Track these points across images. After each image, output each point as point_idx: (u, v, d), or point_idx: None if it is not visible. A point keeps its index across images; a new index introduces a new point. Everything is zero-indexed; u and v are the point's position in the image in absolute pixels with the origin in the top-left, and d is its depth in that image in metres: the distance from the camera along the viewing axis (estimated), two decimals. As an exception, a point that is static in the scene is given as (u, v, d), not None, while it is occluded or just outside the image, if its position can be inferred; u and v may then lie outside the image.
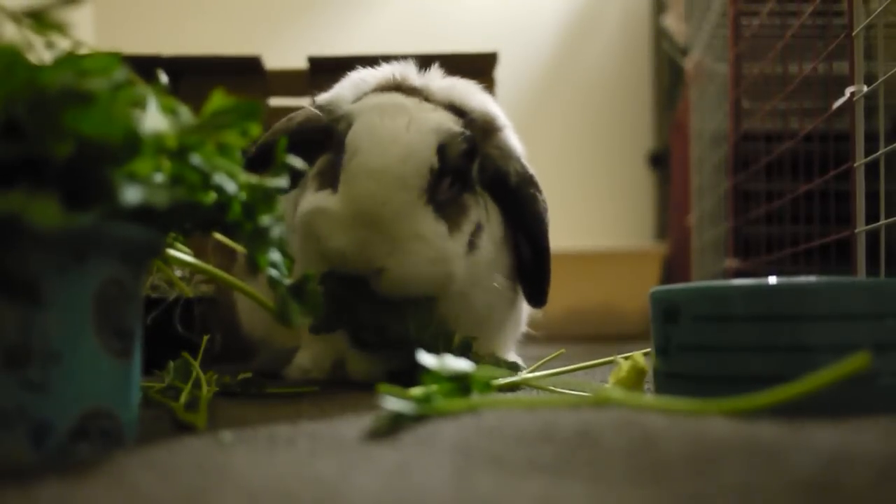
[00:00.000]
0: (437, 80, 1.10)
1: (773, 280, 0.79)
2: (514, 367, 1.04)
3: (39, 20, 0.56)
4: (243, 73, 1.68)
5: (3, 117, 0.50)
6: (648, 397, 0.61)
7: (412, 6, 4.01)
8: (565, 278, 2.36)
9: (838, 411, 0.67)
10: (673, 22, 2.68)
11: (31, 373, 0.55)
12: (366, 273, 0.94)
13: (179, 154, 0.64)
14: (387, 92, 1.05)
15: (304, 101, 1.70)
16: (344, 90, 1.11)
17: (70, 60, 0.59)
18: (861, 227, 1.09)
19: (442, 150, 0.98)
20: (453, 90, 1.07)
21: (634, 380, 0.84)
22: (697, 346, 0.75)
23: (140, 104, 0.65)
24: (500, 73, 1.72)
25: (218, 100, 0.64)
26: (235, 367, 1.44)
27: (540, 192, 1.08)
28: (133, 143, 0.57)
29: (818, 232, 1.63)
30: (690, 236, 2.39)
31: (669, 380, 0.79)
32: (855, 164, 1.10)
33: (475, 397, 0.71)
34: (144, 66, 1.73)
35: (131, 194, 0.55)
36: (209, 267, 0.81)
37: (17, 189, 0.51)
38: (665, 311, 0.79)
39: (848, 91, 1.11)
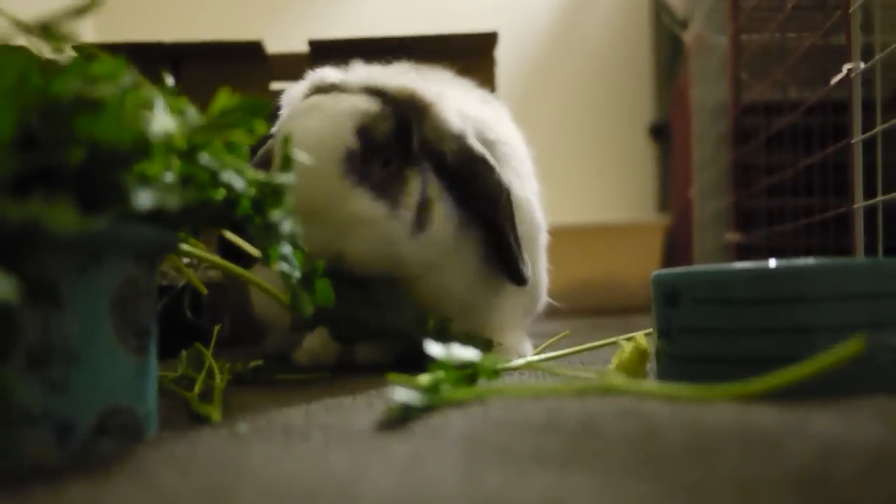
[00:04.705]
0: (354, 72, 1.10)
1: (771, 263, 0.80)
2: (488, 345, 1.05)
3: (49, 32, 0.57)
4: (244, 58, 1.69)
5: (19, 129, 0.52)
6: (651, 384, 0.63)
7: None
8: (568, 252, 2.38)
9: (838, 388, 0.68)
10: (672, -6, 2.67)
11: (52, 373, 0.57)
12: (329, 261, 0.95)
13: (188, 153, 0.66)
14: (308, 98, 1.07)
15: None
16: (285, 109, 1.12)
17: (78, 66, 0.60)
18: (859, 203, 1.10)
19: (364, 131, 0.98)
20: (369, 77, 1.07)
21: (637, 361, 0.86)
22: (698, 329, 0.77)
23: (147, 105, 0.66)
24: (500, 47, 1.72)
25: (224, 98, 0.66)
26: (245, 350, 1.47)
27: (490, 168, 1.05)
28: (143, 146, 0.59)
29: (818, 203, 1.65)
30: (692, 208, 2.40)
31: (671, 361, 0.80)
32: (853, 141, 1.11)
33: (482, 384, 0.73)
34: (147, 53, 1.75)
35: (144, 198, 0.57)
36: (220, 260, 0.83)
37: (34, 196, 0.52)
38: (666, 295, 0.81)
39: (845, 68, 1.12)
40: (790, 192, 1.73)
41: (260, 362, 1.02)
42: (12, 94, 0.50)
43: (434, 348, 0.71)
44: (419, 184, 1.01)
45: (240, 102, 0.65)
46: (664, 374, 0.82)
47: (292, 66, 1.73)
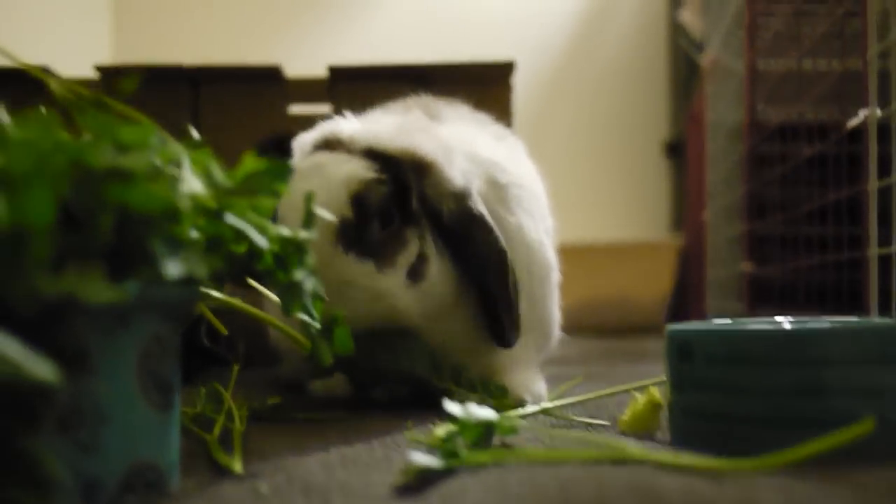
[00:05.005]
0: (366, 124, 1.13)
1: (784, 324, 0.82)
2: (502, 392, 1.06)
3: (101, 108, 0.58)
4: (263, 82, 1.71)
5: (60, 204, 0.53)
6: (664, 454, 0.64)
7: (431, 8, 4.02)
8: (581, 271, 2.39)
9: (849, 450, 0.69)
10: (689, 16, 2.67)
11: (82, 435, 0.59)
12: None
13: (214, 212, 0.67)
14: (317, 151, 1.10)
15: (323, 108, 1.73)
16: (296, 158, 1.16)
17: (107, 131, 0.62)
18: (874, 250, 1.11)
19: (359, 198, 1.02)
20: (376, 135, 1.09)
21: (650, 413, 0.87)
22: (710, 386, 0.78)
23: (175, 161, 0.68)
24: (516, 61, 1.72)
25: (249, 163, 0.67)
26: (260, 375, 1.49)
27: (487, 230, 1.07)
28: (173, 214, 0.61)
29: (833, 232, 1.65)
30: (706, 230, 2.41)
31: (683, 416, 0.82)
32: (868, 188, 1.11)
33: (498, 441, 0.75)
34: (167, 76, 1.77)
35: (173, 268, 0.58)
36: (242, 304, 0.84)
37: (68, 268, 0.54)
38: (679, 350, 0.82)
39: (862, 114, 1.13)
40: (804, 219, 1.74)
41: (278, 399, 1.04)
42: (50, 179, 0.51)
43: (451, 406, 0.72)
44: (416, 243, 1.05)
45: (265, 167, 0.67)
46: (676, 428, 0.83)
47: (311, 90, 1.75)
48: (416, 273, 1.04)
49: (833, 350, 0.74)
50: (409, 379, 1.04)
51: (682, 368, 0.81)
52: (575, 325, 1.50)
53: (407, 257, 1.03)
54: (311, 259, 0.73)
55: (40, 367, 0.46)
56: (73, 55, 3.11)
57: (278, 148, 1.70)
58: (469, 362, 1.10)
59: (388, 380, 1.05)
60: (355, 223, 1.02)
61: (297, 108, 1.77)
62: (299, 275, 0.71)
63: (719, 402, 0.77)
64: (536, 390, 1.14)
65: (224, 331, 0.93)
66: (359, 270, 1.00)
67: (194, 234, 0.66)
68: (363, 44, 3.98)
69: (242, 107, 1.71)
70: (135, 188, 0.58)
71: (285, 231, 0.72)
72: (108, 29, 3.84)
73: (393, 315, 1.03)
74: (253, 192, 0.66)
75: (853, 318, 0.90)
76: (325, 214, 0.81)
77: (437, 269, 1.06)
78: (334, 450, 0.80)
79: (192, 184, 0.64)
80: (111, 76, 1.68)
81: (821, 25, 1.66)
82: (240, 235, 0.69)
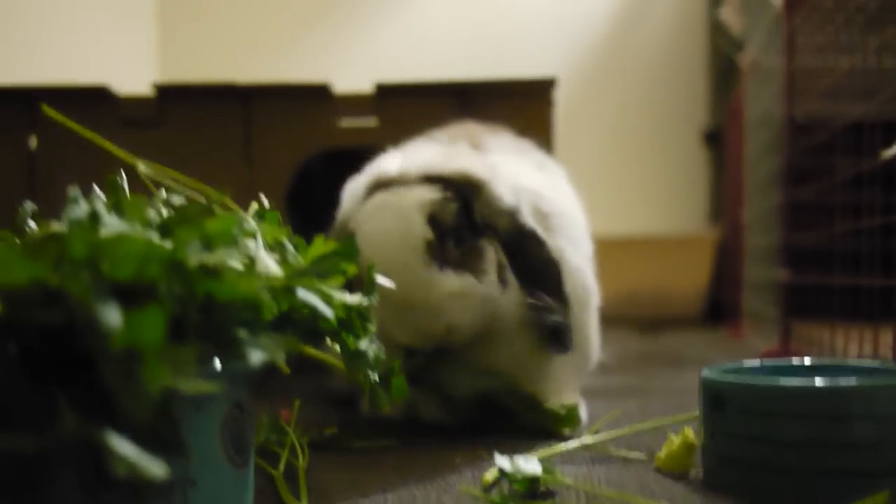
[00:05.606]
0: (412, 157, 1.19)
1: (815, 376, 0.87)
2: (552, 416, 1.14)
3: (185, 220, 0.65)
4: (312, 98, 1.77)
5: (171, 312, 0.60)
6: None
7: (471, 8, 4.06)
8: (618, 263, 2.44)
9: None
10: (728, 14, 2.68)
11: (173, 499, 0.66)
12: (435, 342, 1.06)
13: (287, 289, 0.74)
14: (372, 194, 1.15)
15: (370, 121, 1.79)
16: (347, 206, 1.22)
17: (195, 224, 0.68)
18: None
19: (434, 219, 1.08)
20: (427, 164, 1.15)
21: (685, 453, 0.93)
22: (742, 436, 0.84)
23: (251, 234, 0.75)
24: (555, 56, 1.76)
25: (319, 245, 0.74)
26: (309, 384, 1.56)
27: (539, 244, 1.14)
28: (256, 305, 0.67)
29: (868, 242, 1.68)
30: (742, 228, 2.44)
31: (715, 461, 0.88)
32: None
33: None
34: (219, 94, 1.83)
35: (256, 356, 0.65)
36: (304, 347, 0.91)
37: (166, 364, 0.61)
38: (712, 399, 0.87)
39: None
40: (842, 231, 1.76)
41: (334, 430, 1.11)
42: (164, 300, 0.58)
43: (500, 460, 0.79)
44: (493, 251, 1.12)
45: (334, 249, 0.73)
46: (708, 472, 0.89)
47: (358, 105, 1.80)
48: (502, 279, 1.11)
49: (864, 406, 0.80)
50: (470, 397, 1.13)
51: (715, 417, 0.87)
52: (612, 318, 1.55)
53: (492, 265, 1.11)
54: (372, 325, 0.79)
55: (153, 466, 0.53)
56: (120, 70, 3.20)
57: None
58: (516, 387, 1.17)
59: (449, 398, 1.14)
60: (437, 243, 1.08)
61: (348, 122, 1.82)
62: (363, 344, 0.78)
63: (750, 452, 0.83)
64: (580, 415, 1.20)
65: (286, 370, 1.01)
66: (461, 283, 1.07)
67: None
68: (406, 43, 4.03)
69: (293, 122, 1.77)
70: (222, 282, 0.65)
71: (349, 299, 0.78)
72: (153, 43, 3.92)
73: (494, 318, 1.10)
74: (324, 274, 0.72)
75: (881, 365, 0.94)
76: (387, 283, 0.87)
77: (513, 277, 1.13)
78: (392, 492, 0.87)
79: (269, 266, 0.71)
80: (167, 93, 1.75)
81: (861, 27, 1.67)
82: (307, 305, 0.76)
